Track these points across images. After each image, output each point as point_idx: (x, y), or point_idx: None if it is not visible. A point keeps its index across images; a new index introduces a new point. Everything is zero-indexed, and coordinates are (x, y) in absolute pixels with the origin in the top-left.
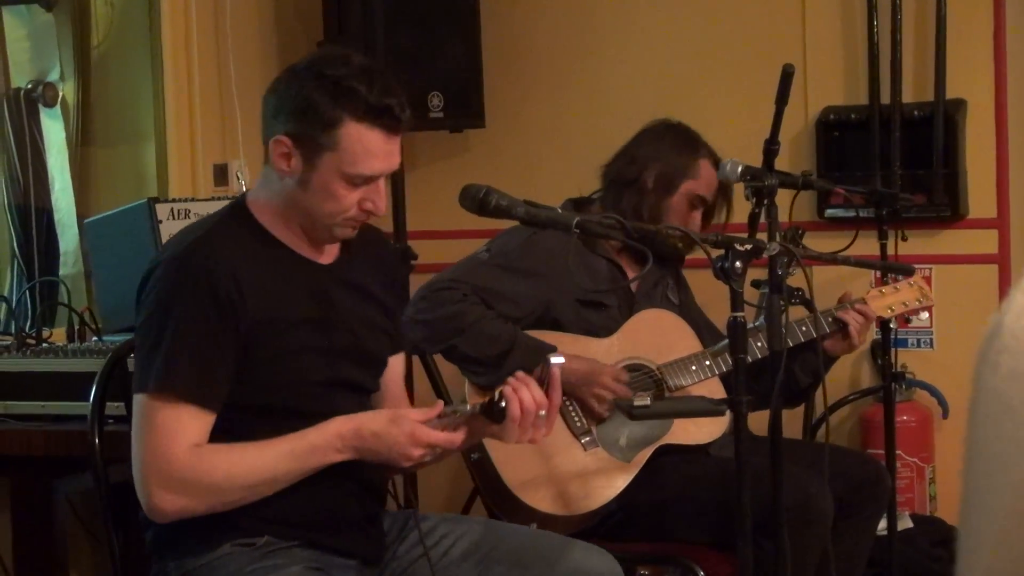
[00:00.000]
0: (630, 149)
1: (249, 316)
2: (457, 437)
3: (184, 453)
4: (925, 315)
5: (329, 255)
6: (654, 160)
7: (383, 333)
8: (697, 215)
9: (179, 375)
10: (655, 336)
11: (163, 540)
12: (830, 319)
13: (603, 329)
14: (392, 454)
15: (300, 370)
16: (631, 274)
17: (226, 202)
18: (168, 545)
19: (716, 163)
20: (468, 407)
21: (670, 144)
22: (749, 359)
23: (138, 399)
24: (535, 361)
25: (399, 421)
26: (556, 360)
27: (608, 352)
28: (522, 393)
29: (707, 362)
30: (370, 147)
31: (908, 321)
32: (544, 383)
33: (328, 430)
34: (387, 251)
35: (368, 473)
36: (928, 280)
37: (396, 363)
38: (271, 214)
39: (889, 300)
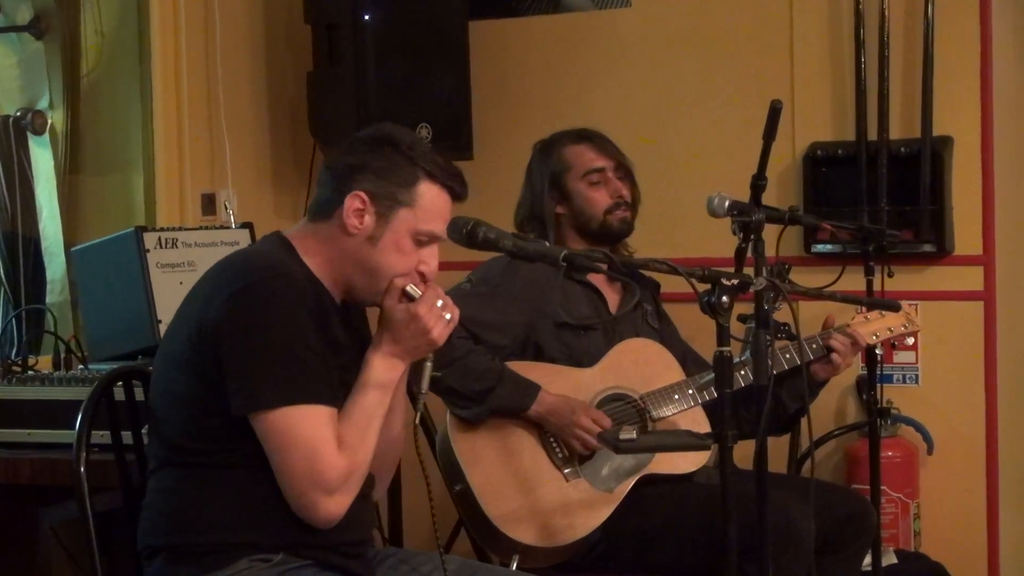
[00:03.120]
0: (524, 193)
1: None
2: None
3: (334, 458)
4: (911, 340)
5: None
6: (537, 186)
7: None
8: (606, 186)
9: (316, 381)
10: (639, 366)
11: (180, 555)
12: (815, 345)
13: (585, 354)
14: (413, 332)
15: None
16: (610, 297)
17: (214, 231)
18: (187, 559)
19: (580, 138)
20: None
21: (537, 161)
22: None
23: (276, 414)
24: (520, 397)
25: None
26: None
27: (592, 381)
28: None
29: (690, 392)
30: (440, 208)
31: (894, 346)
32: None
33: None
34: None
35: (367, 502)
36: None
37: None
38: (318, 260)
39: (874, 326)
